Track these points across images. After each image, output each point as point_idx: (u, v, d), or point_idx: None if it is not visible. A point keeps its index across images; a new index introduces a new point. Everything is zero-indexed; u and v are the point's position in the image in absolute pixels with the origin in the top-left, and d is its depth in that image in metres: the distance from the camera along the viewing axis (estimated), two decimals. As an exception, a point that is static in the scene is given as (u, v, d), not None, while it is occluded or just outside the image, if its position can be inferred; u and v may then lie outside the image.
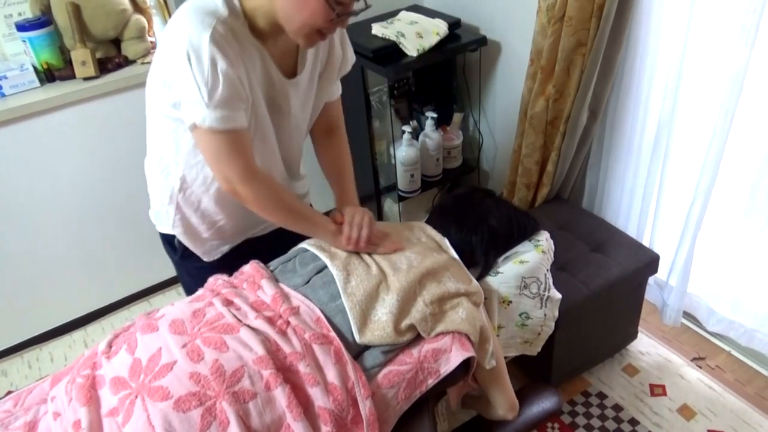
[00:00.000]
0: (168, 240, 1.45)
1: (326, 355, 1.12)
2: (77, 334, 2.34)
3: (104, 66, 2.02)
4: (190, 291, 1.46)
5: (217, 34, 1.08)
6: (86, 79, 1.98)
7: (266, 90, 1.24)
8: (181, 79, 1.10)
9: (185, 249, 1.42)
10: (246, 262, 1.34)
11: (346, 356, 1.13)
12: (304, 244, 1.36)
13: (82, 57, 1.94)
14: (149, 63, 2.08)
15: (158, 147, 1.32)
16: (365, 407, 1.08)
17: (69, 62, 1.97)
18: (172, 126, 1.23)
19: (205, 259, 1.44)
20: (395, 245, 1.33)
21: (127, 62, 2.08)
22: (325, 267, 1.27)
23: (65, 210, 2.13)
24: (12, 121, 1.90)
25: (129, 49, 2.08)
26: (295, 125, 1.36)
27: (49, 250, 2.16)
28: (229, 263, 1.38)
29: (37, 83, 1.95)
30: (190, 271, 1.48)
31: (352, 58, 1.42)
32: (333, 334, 1.15)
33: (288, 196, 1.31)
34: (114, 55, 2.06)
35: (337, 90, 1.46)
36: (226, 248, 1.45)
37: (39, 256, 2.15)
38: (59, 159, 2.04)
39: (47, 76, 1.98)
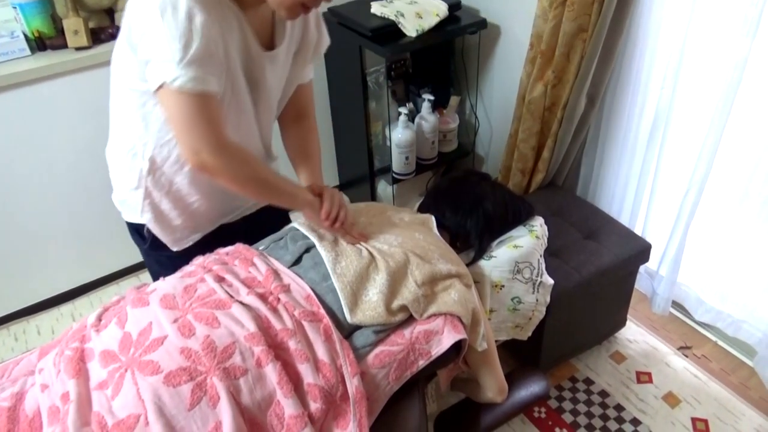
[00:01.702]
0: (135, 229, 1.38)
1: (316, 333, 1.12)
2: (65, 308, 2.32)
3: (97, 36, 1.98)
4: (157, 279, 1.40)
5: None
6: (78, 49, 1.93)
7: (244, 61, 1.17)
8: (151, 34, 1.02)
9: (155, 238, 1.35)
10: (223, 244, 1.30)
11: (335, 334, 1.13)
12: (294, 224, 1.35)
13: (74, 26, 1.89)
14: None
15: (124, 127, 1.24)
16: (352, 385, 1.08)
17: (61, 31, 1.93)
18: (140, 101, 1.16)
19: (174, 249, 1.37)
20: (361, 236, 1.29)
21: (121, 33, 2.04)
22: (314, 246, 1.26)
23: (55, 182, 2.10)
24: (1, 90, 1.86)
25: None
26: (269, 103, 1.30)
27: (38, 223, 2.14)
28: (200, 252, 1.32)
29: (28, 52, 1.91)
30: (159, 260, 1.41)
31: (326, 40, 1.36)
32: (323, 311, 1.15)
33: (262, 168, 1.23)
34: (107, 26, 2.02)
35: (309, 73, 1.40)
36: (197, 236, 1.39)
37: (27, 228, 2.13)
38: (49, 130, 2.01)
39: (38, 44, 1.93)
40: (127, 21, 1.08)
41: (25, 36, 1.90)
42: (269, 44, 1.23)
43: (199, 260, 1.30)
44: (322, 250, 1.24)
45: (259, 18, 1.18)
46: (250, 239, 1.34)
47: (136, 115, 1.18)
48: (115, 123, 1.26)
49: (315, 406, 1.05)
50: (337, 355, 1.11)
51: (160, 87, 1.05)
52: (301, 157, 1.42)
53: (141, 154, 1.23)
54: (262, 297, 1.15)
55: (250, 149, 1.29)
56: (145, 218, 1.31)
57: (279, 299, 1.15)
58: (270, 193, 1.25)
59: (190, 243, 1.38)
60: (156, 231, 1.34)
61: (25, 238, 2.14)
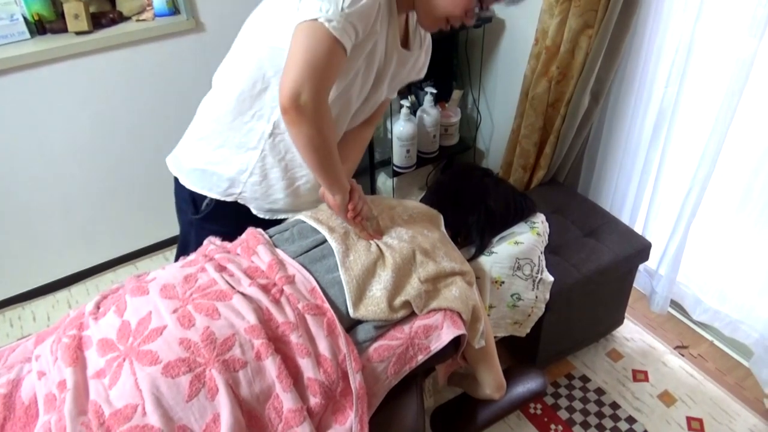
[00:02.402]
0: (192, 198, 1.39)
1: (319, 327, 1.11)
2: (61, 295, 2.31)
3: (98, 21, 1.96)
4: (185, 252, 1.39)
5: None
6: (78, 33, 1.91)
7: (382, 52, 1.22)
8: None
9: (212, 210, 1.38)
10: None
11: (339, 329, 1.12)
12: (300, 216, 1.34)
13: (74, 10, 1.87)
14: (144, 20, 2.02)
15: (251, 87, 1.23)
16: (355, 380, 1.08)
17: (61, 15, 1.90)
18: (282, 61, 1.12)
19: (257, 214, 1.38)
20: (376, 234, 1.30)
21: (122, 18, 2.02)
22: (325, 241, 1.25)
23: (53, 167, 2.08)
24: (1, 73, 1.85)
25: (124, 4, 2.01)
26: (375, 99, 1.34)
27: (35, 208, 2.12)
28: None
29: (27, 35, 1.89)
30: (203, 233, 1.39)
31: (424, 70, 1.42)
32: (327, 305, 1.14)
33: (334, 138, 1.22)
34: (108, 11, 2.00)
35: (395, 90, 1.43)
36: (281, 215, 1.41)
37: (24, 213, 2.11)
38: (48, 115, 1.99)
39: (38, 28, 1.91)
40: None
41: (25, 19, 1.88)
42: (404, 46, 1.28)
43: (201, 248, 1.29)
44: (333, 243, 1.23)
45: (399, 21, 1.24)
46: None
47: (275, 78, 1.19)
48: (239, 81, 1.25)
49: (314, 400, 1.05)
50: (339, 350, 1.10)
51: (310, 20, 1.05)
52: (345, 153, 1.41)
53: (267, 117, 1.25)
54: (265, 288, 1.14)
55: (339, 129, 1.33)
56: (252, 179, 1.32)
57: (282, 291, 1.15)
58: (327, 164, 1.21)
59: (274, 216, 1.40)
60: (254, 193, 1.34)
61: (22, 223, 2.13)
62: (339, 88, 1.21)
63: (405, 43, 1.30)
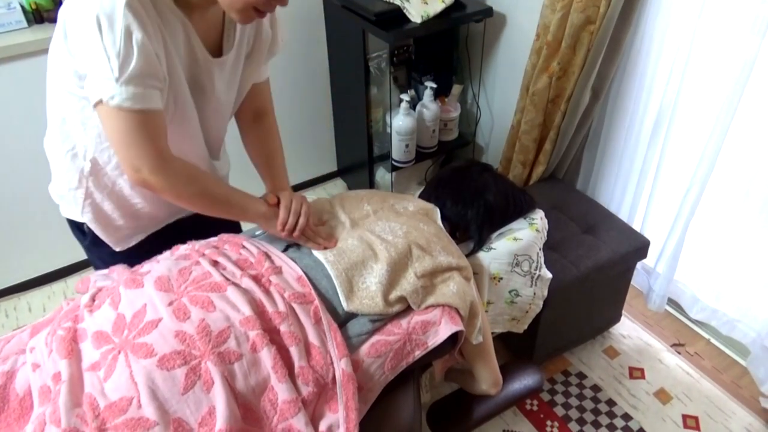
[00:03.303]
0: (75, 225, 1.32)
1: (306, 315, 1.11)
2: (57, 286, 2.30)
3: (96, 10, 1.94)
4: None
5: (134, 1, 0.95)
6: (76, 22, 1.89)
7: (189, 68, 1.12)
8: (88, 48, 0.97)
9: (95, 235, 1.30)
10: (165, 248, 1.25)
11: (324, 317, 1.12)
12: None
13: (72, -1, 1.85)
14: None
15: (62, 126, 1.17)
16: (339, 367, 1.07)
17: (59, 4, 1.89)
18: (78, 105, 1.09)
19: (116, 249, 1.32)
20: (328, 242, 1.24)
21: (120, 8, 2.00)
22: None
23: (44, 157, 2.06)
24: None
25: (122, -6, 2.00)
26: (218, 107, 1.24)
27: (32, 198, 2.11)
28: (144, 251, 1.28)
29: (25, 24, 1.87)
30: (102, 257, 1.34)
31: (282, 39, 1.30)
32: (313, 293, 1.14)
33: (209, 181, 1.18)
34: None
35: (265, 72, 1.34)
36: (141, 236, 1.33)
37: (21, 203, 2.10)
38: (44, 104, 1.97)
39: (35, 17, 1.89)
40: (63, 25, 1.02)
41: (23, 8, 1.86)
42: (218, 48, 1.18)
43: (189, 245, 1.28)
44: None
45: (208, 22, 1.13)
46: (200, 236, 1.28)
47: (76, 119, 1.13)
48: (53, 121, 1.19)
49: (307, 389, 1.05)
50: (326, 337, 1.10)
51: (99, 102, 1.01)
52: (262, 159, 1.37)
53: (82, 155, 1.18)
54: (256, 279, 1.14)
55: (194, 154, 1.24)
56: (85, 218, 1.26)
57: (270, 281, 1.14)
58: (218, 208, 1.20)
59: (133, 243, 1.33)
60: (97, 231, 1.28)
61: (18, 213, 2.12)
62: (170, 127, 1.11)
63: (221, 45, 1.18)
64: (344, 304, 1.14)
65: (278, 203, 1.25)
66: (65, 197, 1.28)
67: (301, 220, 1.22)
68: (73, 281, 2.32)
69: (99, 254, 1.35)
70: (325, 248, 1.22)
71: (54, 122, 1.19)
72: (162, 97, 1.05)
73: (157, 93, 1.03)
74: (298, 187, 2.75)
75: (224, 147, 1.41)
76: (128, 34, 0.95)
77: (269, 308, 1.09)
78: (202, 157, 1.28)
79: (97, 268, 1.40)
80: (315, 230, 1.25)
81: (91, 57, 0.97)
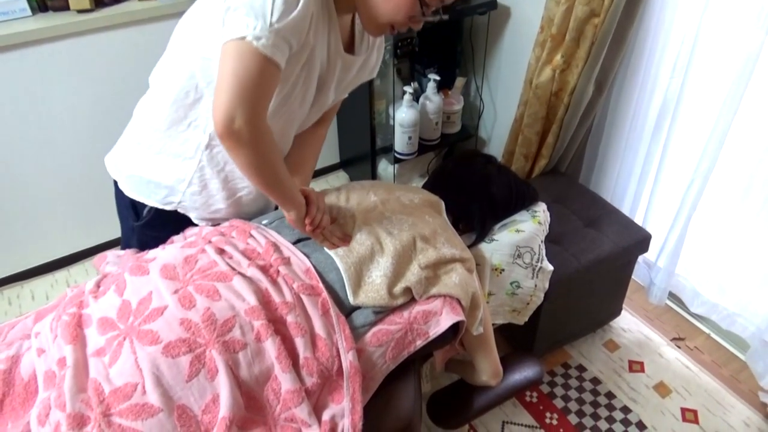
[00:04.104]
0: (132, 204, 1.33)
1: (314, 307, 1.12)
2: (60, 274, 2.31)
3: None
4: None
5: None
6: (80, 11, 1.89)
7: (323, 59, 1.16)
8: None
9: (153, 217, 1.32)
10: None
11: (333, 309, 1.13)
12: None
13: (77, -13, 1.86)
14: (147, 0, 2.00)
15: (185, 96, 1.17)
16: (346, 360, 1.08)
17: (63, -7, 1.89)
18: (214, 72, 1.06)
19: (198, 223, 1.34)
20: (343, 241, 1.23)
21: (125, -3, 2.00)
22: None
23: (54, 145, 2.07)
24: (0, 50, 1.83)
25: (127, -17, 2.00)
26: (322, 103, 1.28)
27: (36, 187, 2.12)
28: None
29: (29, 12, 1.87)
30: (145, 239, 1.36)
31: (379, 65, 1.36)
32: (321, 286, 1.15)
33: (278, 156, 1.17)
34: (111, -11, 1.98)
35: (348, 90, 1.38)
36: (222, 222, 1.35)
37: (25, 191, 2.11)
38: (49, 93, 1.98)
39: (39, 5, 1.89)
40: None
41: (27, -4, 1.86)
42: (346, 50, 1.22)
43: (194, 230, 1.29)
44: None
45: (343, 23, 1.17)
46: None
47: (208, 88, 1.13)
48: (169, 91, 1.19)
49: (311, 380, 1.06)
50: (334, 330, 1.10)
51: (239, 39, 0.98)
52: (299, 157, 1.38)
53: (203, 128, 1.19)
54: (263, 269, 1.14)
55: (287, 142, 1.30)
56: (189, 189, 1.27)
57: (279, 272, 1.15)
58: (273, 184, 1.17)
59: (216, 224, 1.34)
60: (194, 202, 1.29)
61: (22, 202, 2.12)
62: (278, 101, 1.15)
63: (350, 47, 1.23)
64: (351, 297, 1.15)
65: (307, 198, 1.24)
66: (162, 169, 1.26)
67: (326, 218, 1.23)
68: (76, 270, 2.33)
69: (144, 236, 1.36)
70: (341, 246, 1.22)
71: (170, 93, 1.18)
72: (291, 61, 1.06)
73: (288, 53, 1.03)
74: (300, 179, 2.75)
75: None
76: None
77: (276, 298, 1.10)
78: (285, 149, 1.32)
79: (128, 245, 1.42)
80: (332, 230, 1.25)
81: None
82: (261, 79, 1.01)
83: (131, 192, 1.33)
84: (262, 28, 0.97)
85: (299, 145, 1.38)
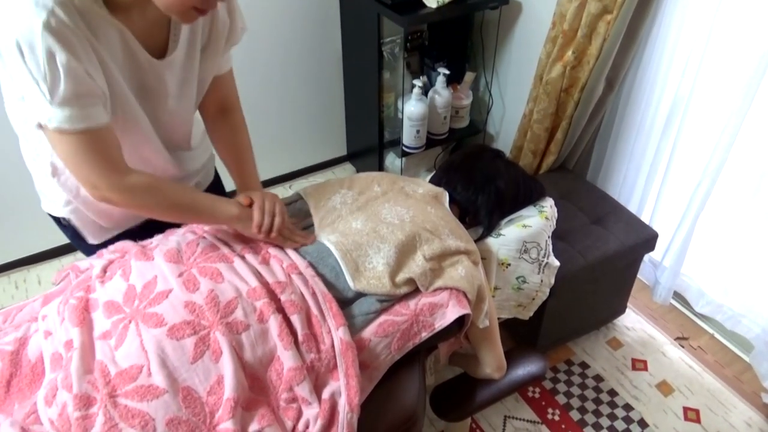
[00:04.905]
0: (56, 218, 1.31)
1: (304, 285, 1.13)
2: (66, 260, 2.32)
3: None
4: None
5: (53, 20, 0.89)
6: None
7: (132, 75, 1.06)
8: (17, 73, 0.92)
9: (74, 227, 1.29)
10: (150, 234, 1.25)
11: (317, 288, 1.13)
12: (300, 191, 1.34)
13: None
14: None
15: (24, 130, 1.13)
16: (336, 336, 1.08)
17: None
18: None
19: (91, 242, 1.31)
20: (305, 239, 1.21)
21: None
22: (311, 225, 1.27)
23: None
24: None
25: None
26: (177, 107, 1.18)
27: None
28: (131, 237, 1.26)
29: None
30: (85, 247, 1.34)
31: (242, 26, 1.22)
32: (306, 262, 1.16)
33: (172, 190, 1.12)
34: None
35: (226, 63, 1.26)
36: (116, 231, 1.32)
37: (31, 177, 2.11)
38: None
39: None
40: None
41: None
42: (164, 48, 1.10)
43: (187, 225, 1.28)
44: (320, 225, 1.24)
45: (149, 21, 1.05)
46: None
47: (30, 125, 1.03)
48: (15, 124, 1.14)
49: (310, 356, 1.06)
50: (323, 307, 1.11)
51: (40, 126, 0.97)
52: (231, 156, 1.32)
53: (43, 156, 1.15)
54: (255, 251, 1.17)
55: (156, 156, 1.21)
56: (64, 212, 1.25)
57: (270, 253, 1.17)
58: (186, 215, 1.16)
59: (109, 236, 1.31)
60: (76, 224, 1.28)
61: (28, 188, 2.13)
62: (122, 136, 1.08)
63: (166, 43, 1.10)
64: (351, 283, 1.15)
65: (251, 204, 1.20)
66: (43, 192, 1.27)
67: (277, 220, 1.18)
68: (82, 255, 2.33)
69: (80, 245, 1.35)
70: (303, 245, 1.20)
71: (16, 125, 1.15)
72: (105, 110, 1.01)
73: (98, 108, 0.99)
74: (306, 171, 2.75)
75: (202, 134, 1.36)
76: (51, 56, 0.90)
77: (269, 279, 1.11)
78: (165, 158, 1.23)
79: (86, 254, 1.38)
80: (292, 229, 1.22)
81: (21, 81, 0.92)
82: (85, 149, 0.99)
83: (45, 206, 1.30)
84: (46, 109, 0.94)
85: (222, 145, 1.32)
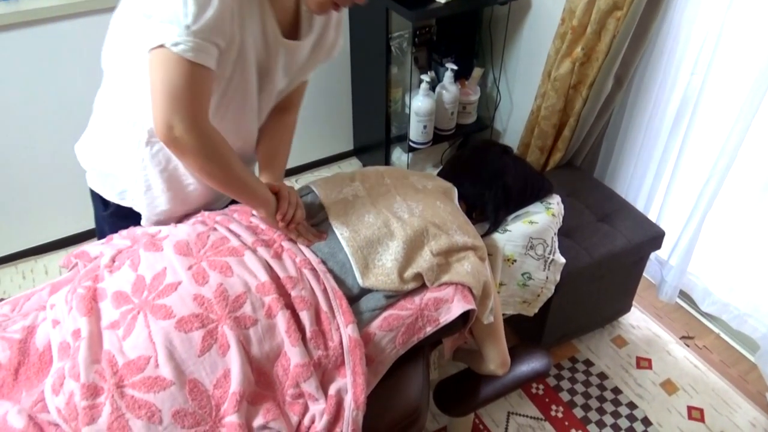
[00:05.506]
0: (99, 197, 1.31)
1: (315, 281, 1.13)
2: (73, 250, 2.33)
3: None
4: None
5: None
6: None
7: (259, 48, 1.09)
8: None
9: (119, 207, 1.29)
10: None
11: (328, 284, 1.13)
12: (310, 185, 1.34)
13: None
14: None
15: (125, 89, 1.14)
16: (345, 334, 1.09)
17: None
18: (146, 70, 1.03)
19: (143, 223, 1.30)
20: (317, 237, 1.22)
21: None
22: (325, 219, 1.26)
23: (70, 121, 2.08)
24: (22, 25, 1.84)
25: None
26: (272, 92, 1.21)
27: (51, 163, 2.13)
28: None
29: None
30: (116, 229, 1.32)
31: (340, 46, 1.28)
32: (318, 259, 1.16)
33: (232, 155, 1.12)
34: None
35: (311, 72, 1.32)
36: (175, 218, 1.31)
37: (40, 167, 2.12)
38: (69, 68, 1.98)
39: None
40: None
41: (49, -29, 1.86)
42: (291, 34, 1.14)
43: (200, 215, 1.28)
44: (331, 214, 1.24)
45: (282, 6, 1.09)
46: None
47: (140, 85, 1.07)
48: (113, 87, 1.16)
49: (318, 352, 1.07)
50: (333, 304, 1.12)
51: (158, 47, 0.95)
52: (270, 149, 1.33)
53: (141, 124, 1.14)
54: (267, 244, 1.17)
55: (247, 135, 1.24)
56: (137, 189, 1.23)
57: (282, 247, 1.17)
58: (233, 184, 1.15)
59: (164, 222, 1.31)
60: (140, 206, 1.26)
61: (37, 177, 2.14)
62: (216, 99, 1.09)
63: (295, 32, 1.15)
64: (360, 280, 1.16)
65: (277, 194, 1.22)
66: (112, 174, 1.25)
67: (299, 212, 1.21)
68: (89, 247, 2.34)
69: (112, 224, 1.34)
70: (313, 243, 1.21)
71: (113, 88, 1.16)
72: (222, 59, 1.01)
73: (216, 52, 0.99)
74: (312, 165, 2.75)
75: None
76: None
77: (281, 273, 1.11)
78: (248, 142, 1.26)
79: (102, 233, 1.38)
80: (307, 226, 1.24)
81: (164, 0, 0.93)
82: (191, 85, 0.98)
83: (93, 185, 1.31)
84: (179, 33, 0.93)
85: (267, 137, 1.32)
